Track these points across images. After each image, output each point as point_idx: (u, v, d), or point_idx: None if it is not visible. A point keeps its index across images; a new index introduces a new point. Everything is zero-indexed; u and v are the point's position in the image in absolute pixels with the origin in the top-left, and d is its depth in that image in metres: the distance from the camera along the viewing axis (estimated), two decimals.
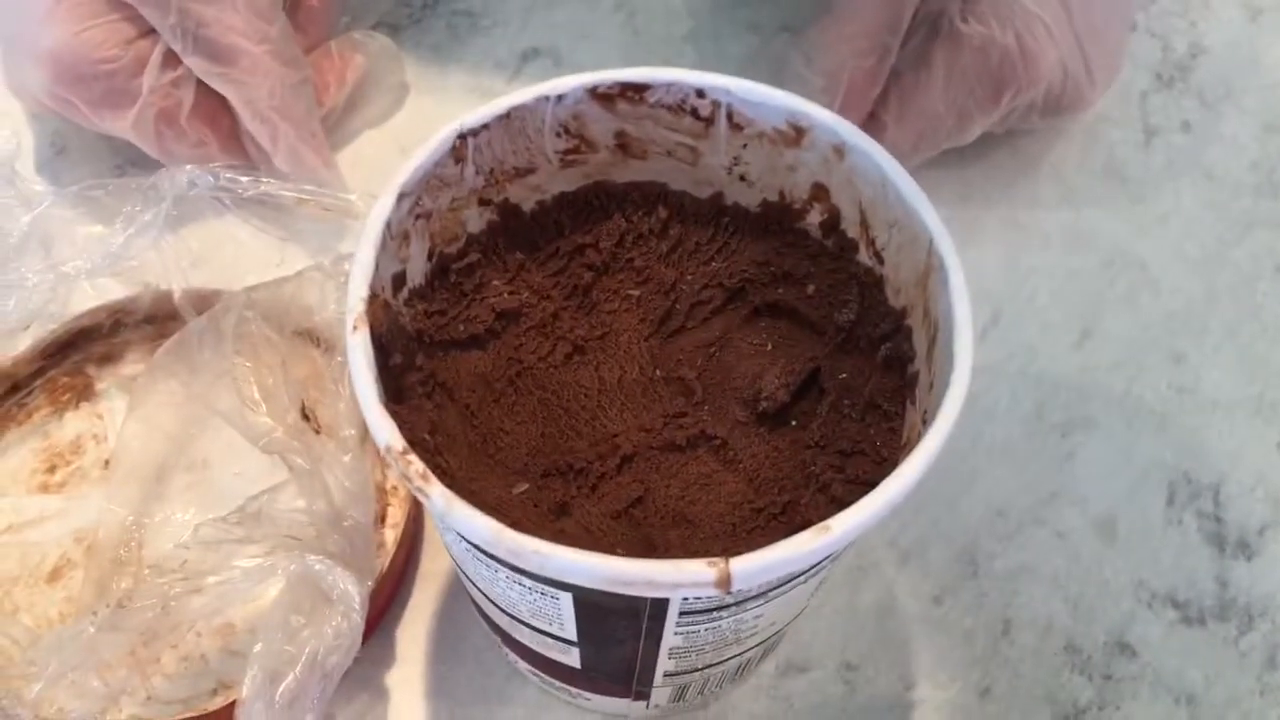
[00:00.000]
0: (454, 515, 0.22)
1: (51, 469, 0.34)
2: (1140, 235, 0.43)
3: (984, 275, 0.41)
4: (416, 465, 0.22)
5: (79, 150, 0.43)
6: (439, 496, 0.22)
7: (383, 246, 0.25)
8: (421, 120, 0.44)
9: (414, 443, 0.24)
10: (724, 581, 0.21)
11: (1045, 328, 0.40)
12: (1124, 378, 0.39)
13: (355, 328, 0.24)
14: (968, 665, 0.33)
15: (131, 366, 0.36)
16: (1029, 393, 0.38)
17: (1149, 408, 0.38)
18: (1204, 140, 0.45)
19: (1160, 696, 0.33)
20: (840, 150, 0.27)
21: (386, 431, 0.22)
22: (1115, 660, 0.33)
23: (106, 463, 0.34)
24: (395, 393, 0.25)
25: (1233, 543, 0.36)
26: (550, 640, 0.27)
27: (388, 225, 0.25)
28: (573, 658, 0.27)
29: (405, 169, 0.26)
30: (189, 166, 0.34)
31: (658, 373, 0.29)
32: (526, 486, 0.27)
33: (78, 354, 0.36)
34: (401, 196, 0.26)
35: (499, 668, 0.33)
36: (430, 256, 0.28)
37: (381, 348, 0.24)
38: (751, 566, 0.21)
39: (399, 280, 0.27)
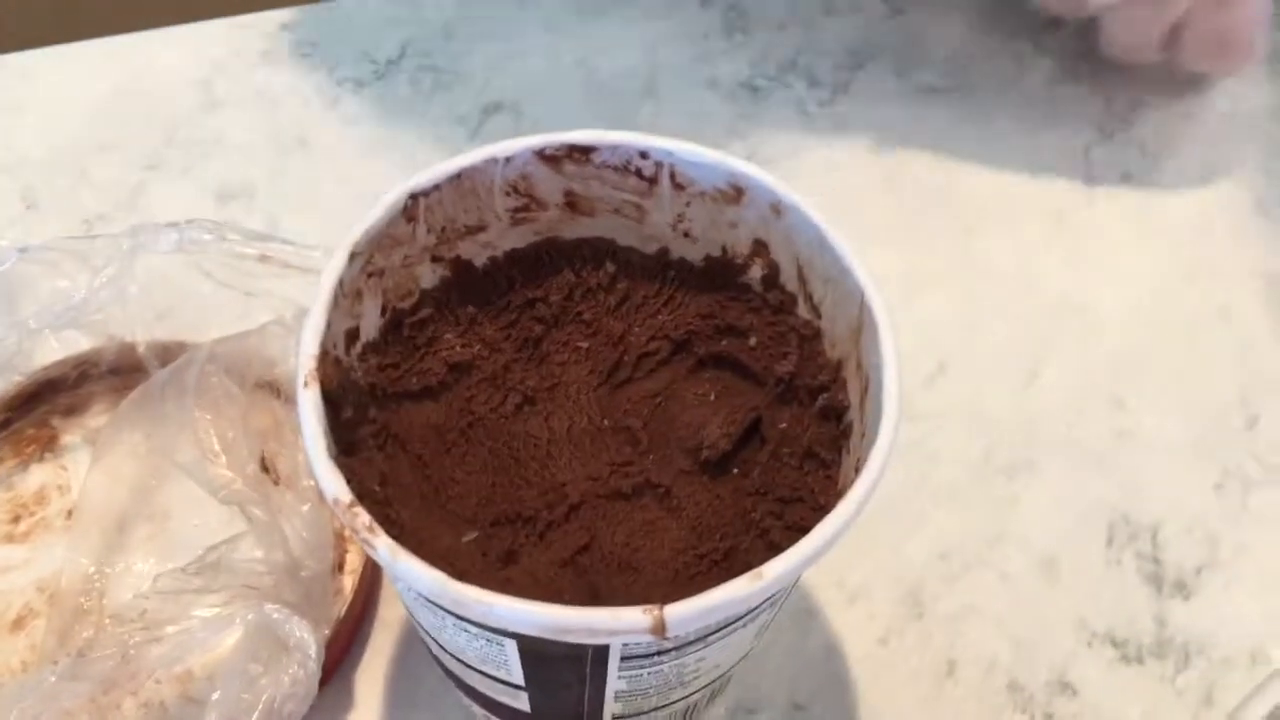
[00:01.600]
0: (399, 566, 0.22)
1: (15, 519, 0.35)
2: (1084, 283, 0.44)
3: (932, 322, 0.43)
4: (363, 517, 0.23)
5: (49, 205, 0.43)
6: (384, 548, 0.23)
7: (335, 304, 0.26)
8: (384, 175, 0.45)
9: (363, 495, 0.25)
10: (659, 628, 0.22)
11: (991, 373, 0.41)
12: (1066, 422, 0.40)
13: (305, 384, 0.25)
14: (914, 705, 0.34)
15: (96, 418, 0.37)
16: (976, 437, 0.40)
17: (1090, 451, 0.39)
18: (1145, 191, 0.47)
19: None
20: (777, 209, 0.28)
21: (333, 484, 0.23)
22: (1056, 699, 0.34)
23: (70, 513, 0.35)
24: (347, 445, 0.26)
25: (1170, 582, 0.37)
26: (499, 685, 0.27)
27: (340, 284, 0.26)
28: (522, 702, 0.28)
29: (356, 229, 0.27)
30: (153, 224, 0.35)
31: (605, 422, 0.30)
32: (476, 534, 0.27)
33: (43, 405, 0.37)
34: (353, 256, 0.27)
35: (454, 713, 0.33)
36: (384, 311, 0.29)
37: (332, 403, 0.25)
38: (685, 613, 0.22)
39: (352, 335, 0.27)
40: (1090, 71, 0.51)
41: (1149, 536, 0.38)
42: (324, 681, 0.33)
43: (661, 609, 0.22)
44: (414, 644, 0.35)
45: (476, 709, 0.31)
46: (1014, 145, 0.48)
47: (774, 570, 0.22)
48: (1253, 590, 0.37)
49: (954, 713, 0.34)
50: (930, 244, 0.45)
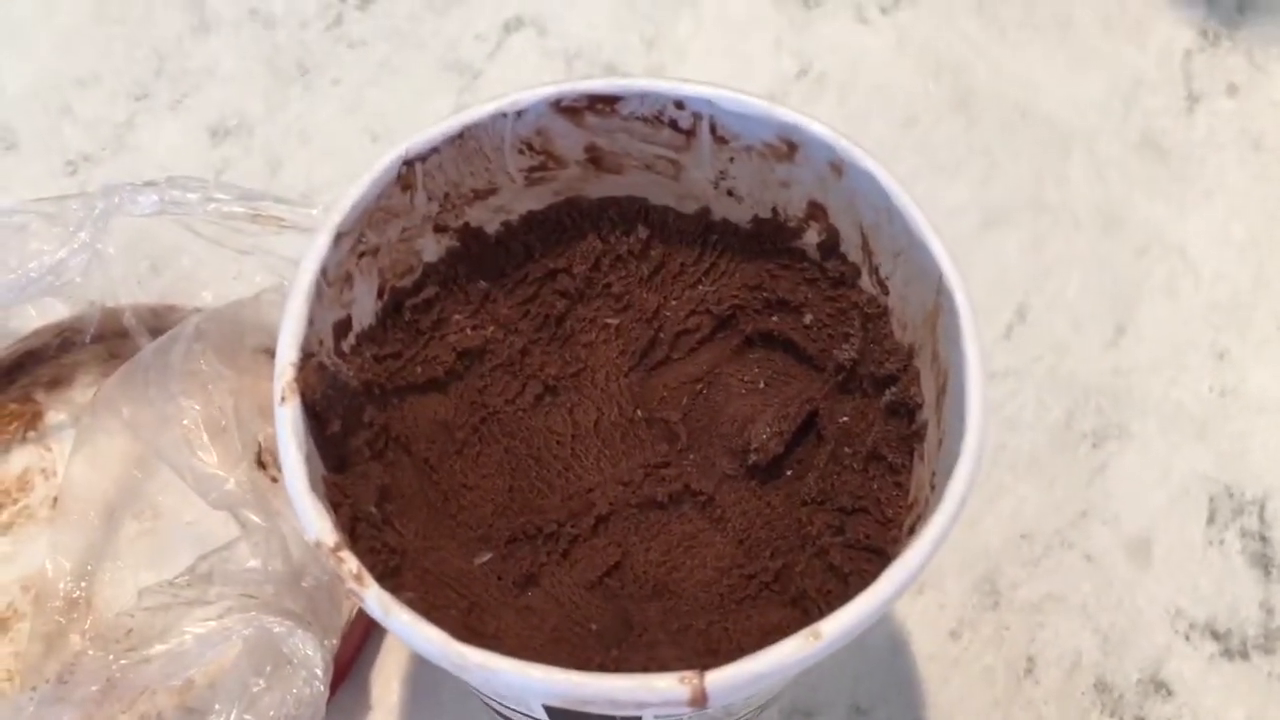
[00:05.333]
0: (393, 622, 0.19)
1: None
2: (1180, 216, 0.39)
3: (1008, 264, 0.38)
4: (349, 564, 0.20)
5: (29, 146, 0.40)
6: (374, 600, 0.19)
7: (318, 297, 0.23)
8: (396, 103, 0.41)
9: (358, 518, 0.22)
10: (699, 699, 0.18)
11: (1075, 323, 0.37)
12: (1162, 379, 0.36)
13: (283, 399, 0.21)
14: (988, 707, 0.31)
15: (83, 392, 0.34)
16: (1057, 398, 0.35)
17: (1189, 413, 0.35)
18: (1252, 106, 0.42)
19: None
20: (838, 168, 0.24)
21: (316, 525, 0.20)
22: (1149, 700, 0.31)
23: (55, 500, 0.32)
24: (337, 461, 0.23)
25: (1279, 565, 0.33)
26: (524, 718, 0.24)
27: (323, 272, 0.23)
28: None
29: (341, 206, 0.23)
30: (128, 183, 0.31)
31: (638, 413, 0.26)
32: (490, 556, 0.24)
33: (25, 378, 0.34)
34: (339, 237, 0.23)
35: (479, 715, 0.31)
36: (380, 294, 0.25)
37: (317, 415, 0.22)
38: (730, 681, 0.18)
39: (342, 327, 0.24)
40: None
41: (1255, 512, 0.34)
42: (337, 683, 0.30)
43: (701, 676, 0.18)
44: None
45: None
46: (1100, 55, 0.43)
47: (832, 629, 0.19)
48: None
49: (1033, 716, 0.31)
50: (1005, 172, 0.40)
